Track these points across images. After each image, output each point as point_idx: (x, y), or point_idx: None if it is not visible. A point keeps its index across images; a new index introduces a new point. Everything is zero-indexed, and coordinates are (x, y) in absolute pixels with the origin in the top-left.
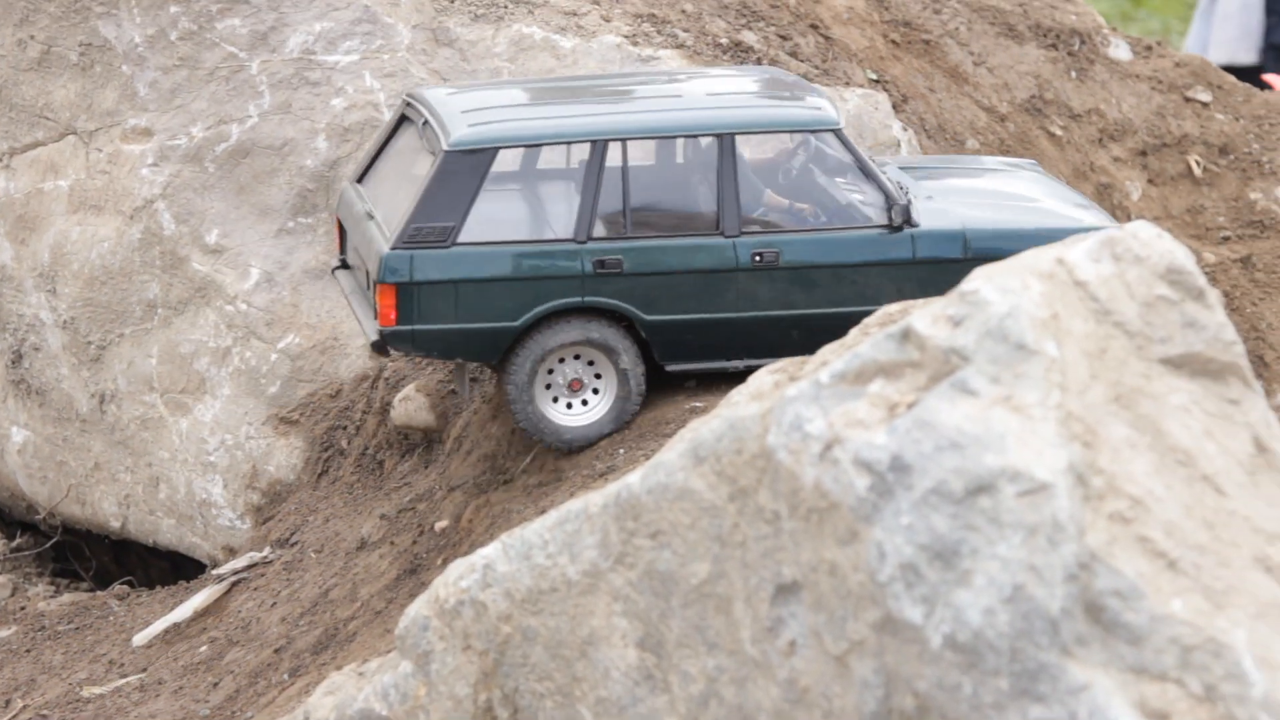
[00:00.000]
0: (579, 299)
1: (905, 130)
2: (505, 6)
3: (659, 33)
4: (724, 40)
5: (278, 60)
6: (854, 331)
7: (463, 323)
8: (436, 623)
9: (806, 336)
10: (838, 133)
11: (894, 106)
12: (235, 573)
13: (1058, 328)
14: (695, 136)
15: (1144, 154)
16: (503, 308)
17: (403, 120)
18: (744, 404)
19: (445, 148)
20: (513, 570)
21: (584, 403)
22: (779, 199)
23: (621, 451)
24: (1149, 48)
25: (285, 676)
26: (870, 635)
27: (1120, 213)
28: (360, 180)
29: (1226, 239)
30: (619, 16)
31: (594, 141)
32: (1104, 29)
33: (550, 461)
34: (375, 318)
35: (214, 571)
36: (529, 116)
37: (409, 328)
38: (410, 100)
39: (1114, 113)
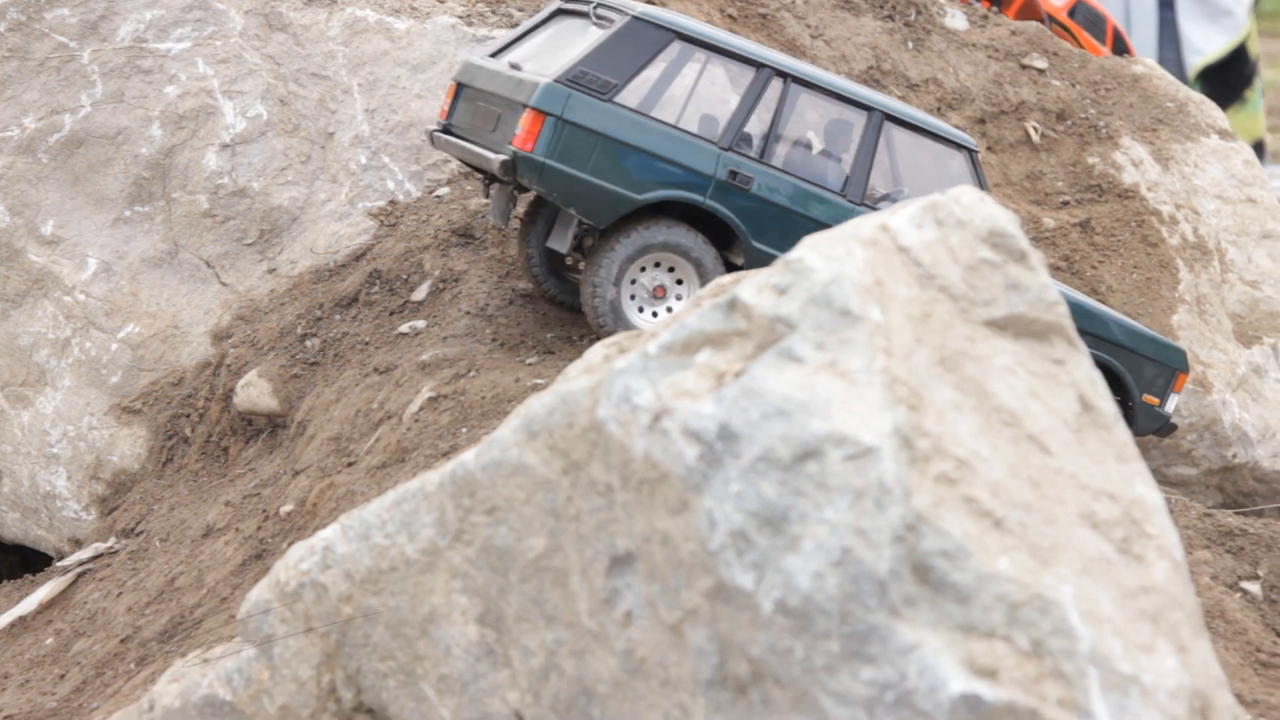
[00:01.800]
0: (702, 199)
1: None
2: None
3: (494, 13)
4: None
5: (109, 49)
6: (686, 303)
7: (592, 175)
8: (278, 606)
9: None
10: (973, 155)
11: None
12: (80, 564)
13: (882, 293)
14: (855, 104)
15: (982, 121)
16: (633, 177)
17: (554, 16)
18: (575, 378)
19: (632, 14)
20: (352, 551)
21: (668, 309)
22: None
23: (464, 430)
24: (985, 16)
25: (132, 666)
26: (704, 603)
27: None
28: (494, 56)
29: (1066, 203)
30: None
31: (760, 66)
32: None
33: (394, 443)
34: (511, 141)
35: (59, 564)
36: (707, 27)
37: (542, 159)
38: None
39: (952, 81)
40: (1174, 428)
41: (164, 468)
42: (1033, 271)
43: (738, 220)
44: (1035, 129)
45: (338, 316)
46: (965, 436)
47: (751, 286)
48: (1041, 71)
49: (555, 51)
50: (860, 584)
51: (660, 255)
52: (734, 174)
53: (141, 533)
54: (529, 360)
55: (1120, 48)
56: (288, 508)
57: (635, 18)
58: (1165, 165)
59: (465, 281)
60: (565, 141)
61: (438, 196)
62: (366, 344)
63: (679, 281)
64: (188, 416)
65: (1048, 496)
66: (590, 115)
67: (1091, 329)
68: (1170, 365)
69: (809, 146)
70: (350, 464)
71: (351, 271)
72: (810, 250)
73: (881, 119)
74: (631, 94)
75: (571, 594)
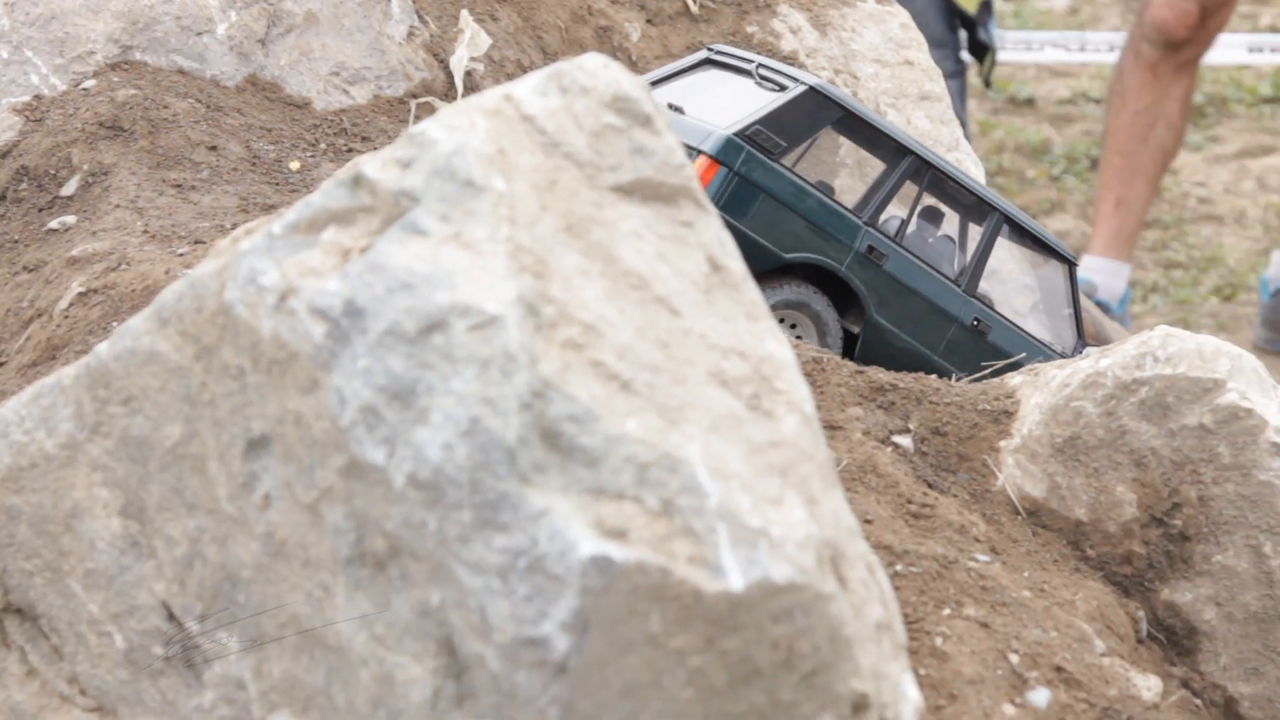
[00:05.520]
0: (840, 267)
1: None
2: None
3: None
4: None
5: None
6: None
7: (748, 228)
8: None
9: None
10: (1072, 268)
11: None
12: None
13: (505, 163)
14: (983, 202)
15: None
16: (783, 236)
17: (702, 65)
18: (205, 263)
19: (807, 84)
20: None
21: None
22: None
23: (115, 324)
24: None
25: None
26: (338, 481)
27: (621, 55)
28: None
29: None
30: None
31: (908, 153)
32: None
33: (44, 340)
34: None
35: None
36: (865, 108)
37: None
38: (724, 49)
39: None
40: None
41: None
42: (658, 135)
43: (866, 292)
44: (693, 0)
45: None
46: (592, 301)
47: (376, 161)
48: None
49: (714, 102)
50: (489, 453)
51: (788, 312)
52: (871, 249)
53: None
54: (180, 251)
55: None
56: None
57: (812, 89)
58: (823, 31)
59: (115, 174)
60: (733, 192)
61: (84, 89)
62: (15, 242)
63: (799, 338)
64: None
65: (676, 357)
66: (758, 172)
67: None
68: None
69: (936, 234)
70: (1, 364)
71: None
72: (433, 122)
73: (1003, 217)
74: (795, 157)
75: (211, 480)
